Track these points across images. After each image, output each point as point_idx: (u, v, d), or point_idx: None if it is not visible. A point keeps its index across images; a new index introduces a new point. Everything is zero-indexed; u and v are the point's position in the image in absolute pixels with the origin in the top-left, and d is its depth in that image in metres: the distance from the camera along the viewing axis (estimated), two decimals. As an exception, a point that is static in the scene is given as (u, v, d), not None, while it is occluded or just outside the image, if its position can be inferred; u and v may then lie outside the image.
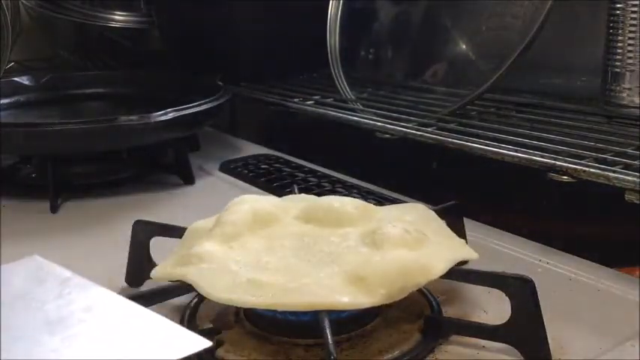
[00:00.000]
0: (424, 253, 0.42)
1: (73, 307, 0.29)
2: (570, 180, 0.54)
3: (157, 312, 0.45)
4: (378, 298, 0.38)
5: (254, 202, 0.48)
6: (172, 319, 0.45)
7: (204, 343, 0.28)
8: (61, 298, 0.30)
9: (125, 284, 0.51)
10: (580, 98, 0.74)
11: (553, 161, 0.55)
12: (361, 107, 0.80)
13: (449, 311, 0.46)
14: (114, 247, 0.55)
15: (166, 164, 0.79)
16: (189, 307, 0.46)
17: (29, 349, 0.26)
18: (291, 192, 0.57)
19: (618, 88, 0.66)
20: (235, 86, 0.91)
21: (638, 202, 0.49)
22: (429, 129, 0.68)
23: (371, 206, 0.49)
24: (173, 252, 0.46)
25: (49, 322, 0.28)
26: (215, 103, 0.76)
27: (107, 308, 0.29)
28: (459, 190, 0.64)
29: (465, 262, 0.45)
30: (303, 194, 0.55)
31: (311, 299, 0.38)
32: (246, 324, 0.44)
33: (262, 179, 0.74)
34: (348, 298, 0.38)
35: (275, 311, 0.41)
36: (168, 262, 0.45)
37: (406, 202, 0.63)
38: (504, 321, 0.40)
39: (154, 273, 0.45)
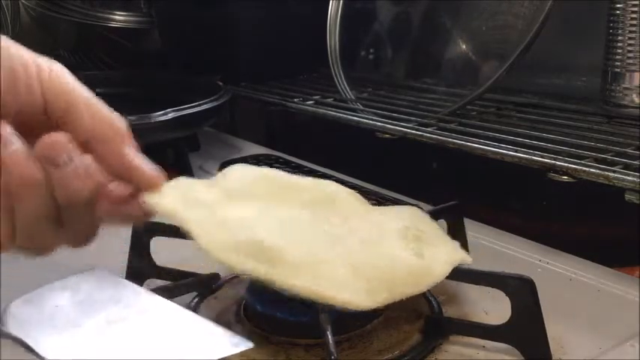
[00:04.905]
0: (427, 256, 0.41)
1: (129, 310, 0.35)
2: (570, 180, 0.54)
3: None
4: (380, 301, 0.37)
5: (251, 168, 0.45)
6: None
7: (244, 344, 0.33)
8: (120, 303, 0.35)
9: (125, 284, 0.50)
10: (580, 98, 0.74)
11: (553, 161, 0.55)
12: (361, 107, 0.80)
13: (449, 311, 0.46)
14: (114, 246, 0.55)
15: (166, 164, 0.78)
16: (190, 307, 0.46)
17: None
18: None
19: (618, 88, 0.66)
20: (235, 86, 0.91)
21: (638, 202, 0.49)
22: (429, 129, 0.68)
23: (364, 199, 0.46)
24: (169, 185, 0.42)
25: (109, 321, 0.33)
26: (215, 103, 0.76)
27: (157, 312, 0.35)
28: (459, 190, 0.64)
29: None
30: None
31: (311, 288, 0.36)
32: (246, 324, 0.44)
33: (262, 179, 0.74)
34: (350, 297, 0.36)
35: (275, 311, 0.41)
36: (167, 193, 0.40)
37: (406, 202, 0.63)
38: (504, 321, 0.40)
39: (150, 198, 0.39)
